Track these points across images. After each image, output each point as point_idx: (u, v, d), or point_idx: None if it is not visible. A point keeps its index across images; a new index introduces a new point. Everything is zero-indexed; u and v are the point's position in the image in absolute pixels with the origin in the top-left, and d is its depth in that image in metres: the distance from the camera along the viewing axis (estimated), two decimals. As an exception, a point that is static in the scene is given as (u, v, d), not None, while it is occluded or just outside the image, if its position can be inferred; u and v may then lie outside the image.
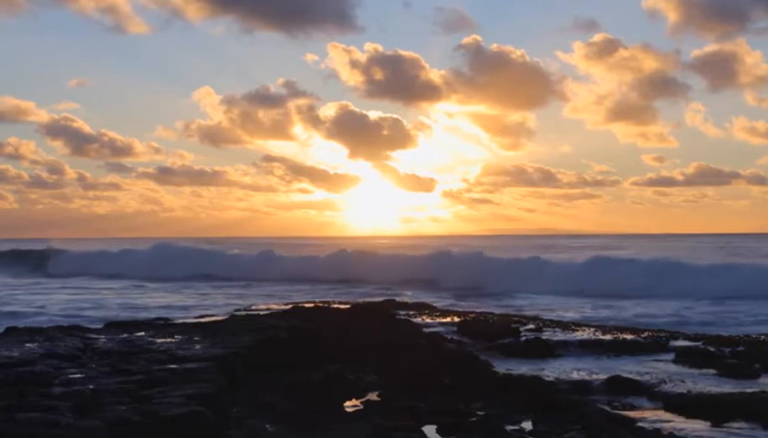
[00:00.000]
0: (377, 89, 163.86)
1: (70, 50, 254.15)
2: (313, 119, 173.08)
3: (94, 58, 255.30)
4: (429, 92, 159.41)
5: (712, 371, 15.16)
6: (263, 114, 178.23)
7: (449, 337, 19.68)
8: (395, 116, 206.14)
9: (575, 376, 14.91)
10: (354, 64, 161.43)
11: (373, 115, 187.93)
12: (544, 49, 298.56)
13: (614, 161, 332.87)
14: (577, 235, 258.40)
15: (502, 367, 15.51)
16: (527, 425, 11.19)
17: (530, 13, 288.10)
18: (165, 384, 9.67)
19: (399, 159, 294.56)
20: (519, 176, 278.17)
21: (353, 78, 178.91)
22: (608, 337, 19.41)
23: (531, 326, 21.66)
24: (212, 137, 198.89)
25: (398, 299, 29.13)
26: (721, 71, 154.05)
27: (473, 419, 11.40)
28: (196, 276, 54.18)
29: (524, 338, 19.15)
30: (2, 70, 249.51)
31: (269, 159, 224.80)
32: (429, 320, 22.94)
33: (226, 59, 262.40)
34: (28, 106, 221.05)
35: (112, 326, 17.21)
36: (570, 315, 28.12)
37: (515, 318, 23.64)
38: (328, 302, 23.98)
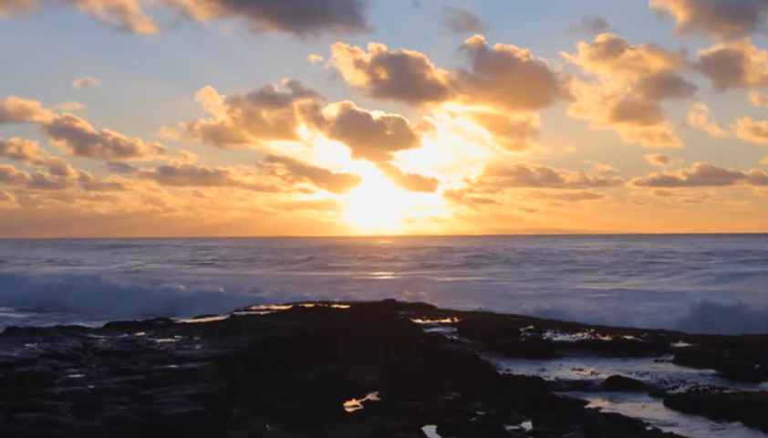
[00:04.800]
0: (381, 89, 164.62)
1: (77, 50, 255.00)
2: (316, 119, 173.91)
3: (100, 58, 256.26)
4: (433, 92, 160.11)
5: (712, 372, 15.15)
6: (266, 114, 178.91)
7: (449, 337, 19.68)
8: (398, 116, 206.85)
9: (575, 376, 14.91)
10: (358, 64, 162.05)
11: (376, 115, 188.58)
12: (553, 49, 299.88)
13: (617, 161, 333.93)
14: (578, 235, 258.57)
15: (502, 367, 15.52)
16: (527, 425, 11.18)
17: (538, 13, 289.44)
18: (165, 384, 9.65)
19: (402, 159, 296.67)
20: (521, 176, 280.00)
21: (357, 78, 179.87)
22: (608, 337, 19.41)
23: (531, 326, 21.67)
24: (216, 137, 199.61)
25: (398, 299, 29.13)
26: (726, 71, 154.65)
27: (473, 419, 11.40)
28: None
29: (524, 338, 19.16)
30: (8, 70, 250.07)
31: (271, 159, 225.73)
32: (429, 320, 22.93)
33: (232, 59, 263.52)
34: (33, 106, 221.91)
35: (112, 326, 17.20)
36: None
37: (515, 318, 23.64)
38: (328, 302, 23.96)
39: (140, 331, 15.67)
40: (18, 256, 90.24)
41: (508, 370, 15.23)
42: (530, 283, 43.70)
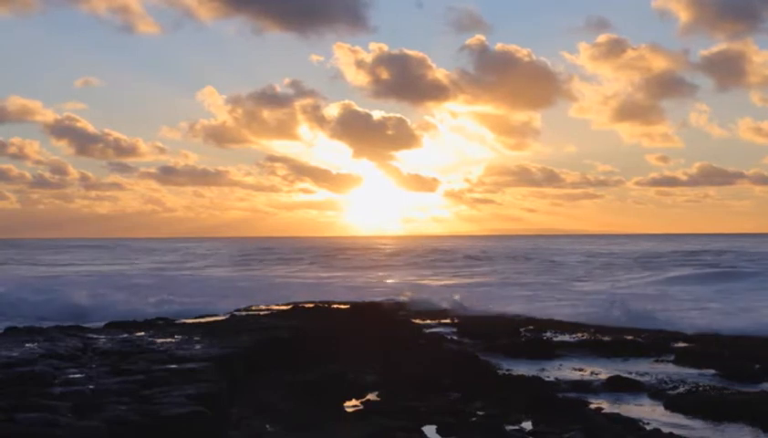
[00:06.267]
0: (382, 89, 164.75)
1: (79, 50, 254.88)
2: (318, 119, 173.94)
3: (102, 58, 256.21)
4: (435, 92, 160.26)
5: (712, 372, 15.17)
6: (267, 114, 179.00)
7: (449, 337, 19.70)
8: (399, 115, 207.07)
9: (575, 376, 14.92)
10: (359, 64, 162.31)
11: (377, 115, 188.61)
12: (554, 49, 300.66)
13: (618, 161, 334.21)
14: (577, 235, 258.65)
15: (502, 367, 15.53)
16: (527, 425, 11.19)
17: (540, 13, 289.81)
18: (165, 384, 9.64)
19: (403, 159, 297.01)
20: (522, 176, 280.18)
21: (359, 78, 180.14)
22: (609, 337, 19.43)
23: (531, 326, 21.68)
24: (217, 137, 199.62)
25: (398, 300, 29.10)
26: (728, 71, 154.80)
27: (473, 419, 11.40)
28: None
29: (524, 338, 19.17)
30: (9, 69, 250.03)
31: (272, 159, 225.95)
32: (429, 321, 22.95)
33: (233, 59, 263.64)
34: (35, 105, 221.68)
35: (112, 326, 17.18)
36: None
37: (515, 319, 23.64)
38: (328, 302, 23.94)
39: (140, 331, 15.66)
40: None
41: (508, 370, 15.24)
42: (529, 282, 43.66)
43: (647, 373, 15.06)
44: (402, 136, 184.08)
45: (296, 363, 13.90)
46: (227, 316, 19.15)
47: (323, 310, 19.80)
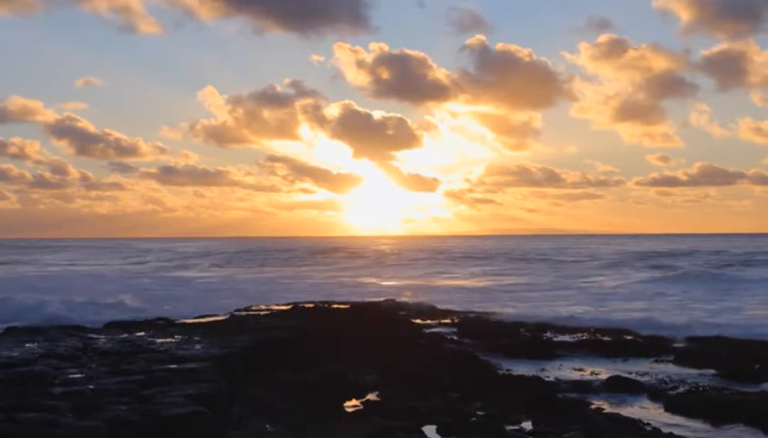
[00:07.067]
0: (383, 89, 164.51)
1: (80, 50, 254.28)
2: (318, 119, 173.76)
3: (103, 58, 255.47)
4: (435, 92, 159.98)
5: (712, 372, 15.16)
6: (268, 114, 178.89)
7: (449, 337, 19.69)
8: (399, 115, 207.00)
9: (575, 376, 14.92)
10: (360, 64, 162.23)
11: (377, 115, 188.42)
12: (555, 49, 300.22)
13: (618, 161, 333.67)
14: (578, 235, 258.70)
15: (502, 367, 15.53)
16: (527, 425, 11.19)
17: (541, 13, 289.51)
18: (165, 384, 9.65)
19: (403, 159, 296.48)
20: (522, 176, 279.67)
21: (359, 78, 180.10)
22: (608, 337, 19.43)
23: (531, 326, 21.68)
24: (217, 137, 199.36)
25: (398, 299, 29.10)
26: (729, 71, 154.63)
27: (473, 419, 11.41)
28: None
29: (524, 338, 19.16)
30: (11, 69, 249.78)
31: (272, 159, 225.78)
32: (429, 321, 22.96)
33: (234, 59, 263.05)
34: (36, 105, 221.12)
35: (112, 326, 17.19)
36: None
37: (515, 319, 23.62)
38: (328, 302, 23.95)
39: (140, 331, 15.67)
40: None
41: (508, 370, 15.24)
42: (529, 283, 43.66)
43: (647, 373, 15.06)
44: (403, 136, 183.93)
45: (296, 363, 13.91)
46: (227, 316, 19.15)
47: (323, 310, 19.80)
